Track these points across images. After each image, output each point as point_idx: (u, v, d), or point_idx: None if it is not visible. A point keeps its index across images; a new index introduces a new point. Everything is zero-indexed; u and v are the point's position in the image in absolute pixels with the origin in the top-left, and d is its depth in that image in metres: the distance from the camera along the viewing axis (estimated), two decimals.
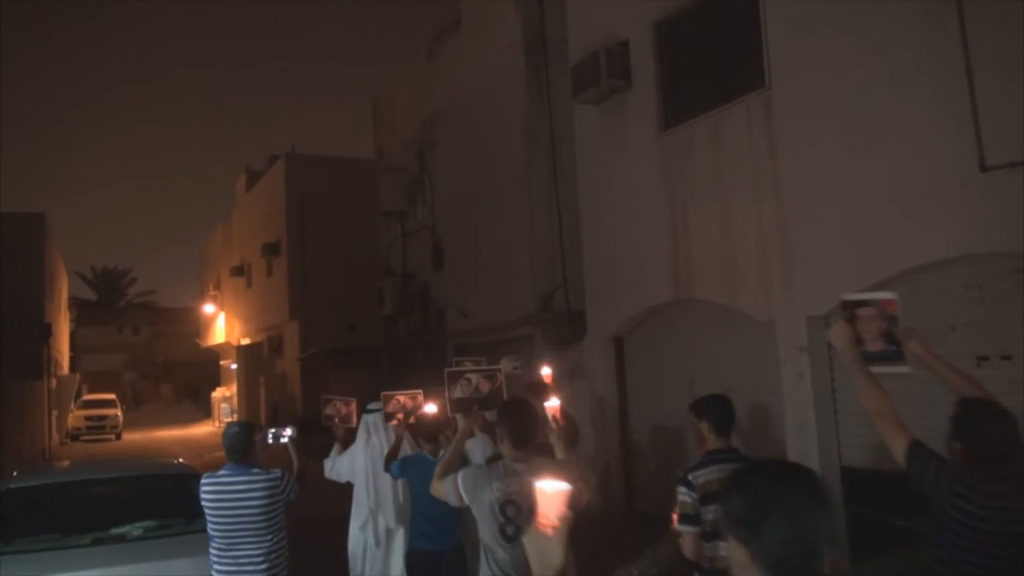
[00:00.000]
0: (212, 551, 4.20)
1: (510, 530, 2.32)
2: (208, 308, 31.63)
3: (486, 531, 3.04)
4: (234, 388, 27.94)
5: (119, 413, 27.20)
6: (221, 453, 4.41)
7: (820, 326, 6.42)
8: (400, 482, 5.12)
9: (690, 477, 3.44)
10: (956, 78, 5.13)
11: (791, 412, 6.57)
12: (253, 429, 4.51)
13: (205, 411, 33.15)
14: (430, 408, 4.71)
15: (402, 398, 5.14)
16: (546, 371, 5.30)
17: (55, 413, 23.70)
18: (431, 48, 13.72)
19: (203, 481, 4.24)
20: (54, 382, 23.93)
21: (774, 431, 6.79)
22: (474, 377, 4.04)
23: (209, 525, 4.19)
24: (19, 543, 4.90)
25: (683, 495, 3.42)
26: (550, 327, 9.85)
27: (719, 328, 7.60)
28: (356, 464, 5.37)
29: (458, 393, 4.00)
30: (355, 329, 18.93)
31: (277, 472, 4.31)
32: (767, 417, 6.92)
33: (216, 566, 4.18)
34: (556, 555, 1.62)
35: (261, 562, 4.14)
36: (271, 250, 22.28)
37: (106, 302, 57.52)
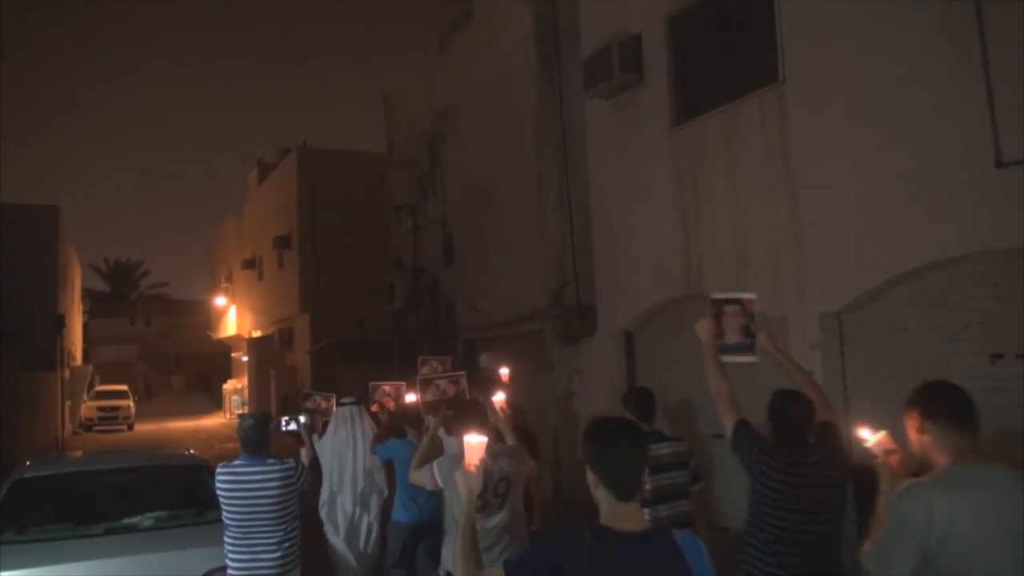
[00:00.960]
0: (227, 540, 4.25)
1: (477, 504, 2.67)
2: (220, 301, 31.78)
3: (457, 508, 3.38)
4: (245, 380, 28.09)
5: (131, 404, 27.38)
6: (232, 444, 4.47)
7: (833, 323, 6.38)
8: (362, 471, 5.75)
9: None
10: (973, 72, 5.07)
11: None
12: (268, 421, 4.61)
13: (216, 403, 33.33)
14: (410, 398, 5.38)
15: (387, 387, 5.86)
16: (504, 371, 5.79)
17: (68, 403, 23.90)
18: (443, 42, 13.70)
19: (219, 471, 4.30)
20: (67, 373, 24.13)
21: None
22: (441, 383, 4.77)
23: (224, 514, 4.23)
24: (32, 532, 4.95)
25: None
26: (560, 322, 9.84)
27: None
28: (323, 451, 5.81)
29: (428, 397, 4.75)
30: (365, 322, 18.98)
31: (291, 462, 4.39)
32: None
33: (231, 554, 4.23)
34: (474, 479, 2.67)
35: (275, 550, 4.22)
36: (282, 243, 22.37)
37: (119, 294, 57.93)
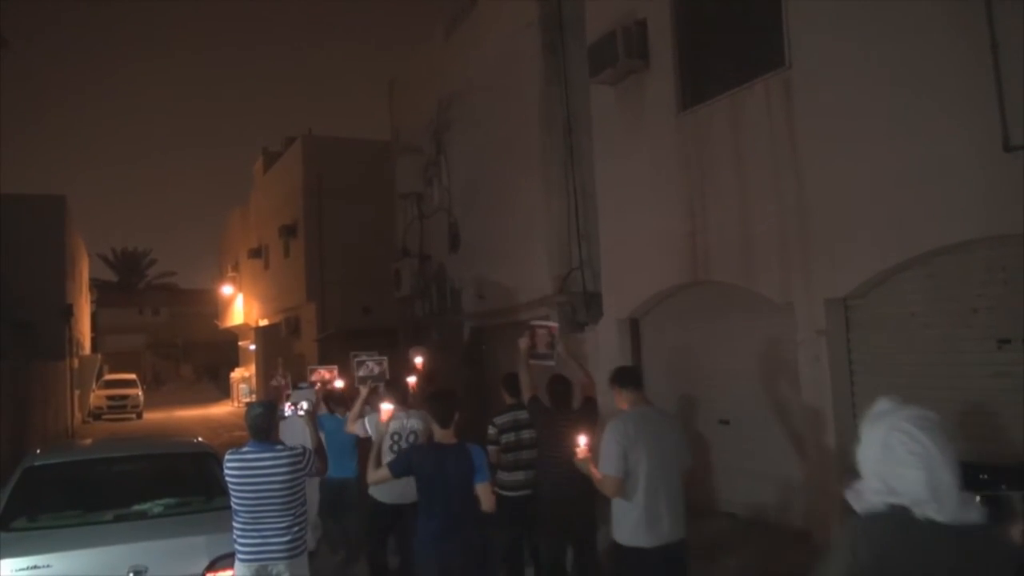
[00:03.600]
0: (236, 525, 4.29)
1: (394, 446, 5.30)
2: (226, 289, 31.86)
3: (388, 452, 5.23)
4: (252, 369, 28.21)
5: (140, 393, 27.56)
6: (240, 432, 4.54)
7: (839, 309, 6.37)
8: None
9: (496, 420, 5.68)
10: (981, 56, 5.03)
11: (808, 395, 6.53)
12: (276, 409, 4.67)
13: (224, 391, 33.52)
14: (338, 383, 7.01)
15: (323, 371, 7.09)
16: (418, 359, 6.99)
17: (77, 392, 24.08)
18: (447, 29, 13.65)
19: (227, 458, 4.34)
20: (76, 362, 24.29)
21: (791, 413, 6.77)
22: (371, 363, 6.41)
23: (233, 500, 4.28)
24: (42, 519, 5.01)
25: (490, 429, 5.64)
26: (566, 308, 9.84)
27: (736, 310, 7.57)
28: (295, 428, 6.03)
29: (361, 372, 6.38)
30: (372, 310, 19.01)
31: (299, 448, 4.44)
32: (784, 399, 6.90)
33: (240, 539, 4.28)
34: (383, 426, 4.68)
35: (285, 534, 4.28)
36: (288, 232, 22.39)
37: (126, 283, 58.22)
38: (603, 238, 9.43)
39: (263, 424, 4.41)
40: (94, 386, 27.57)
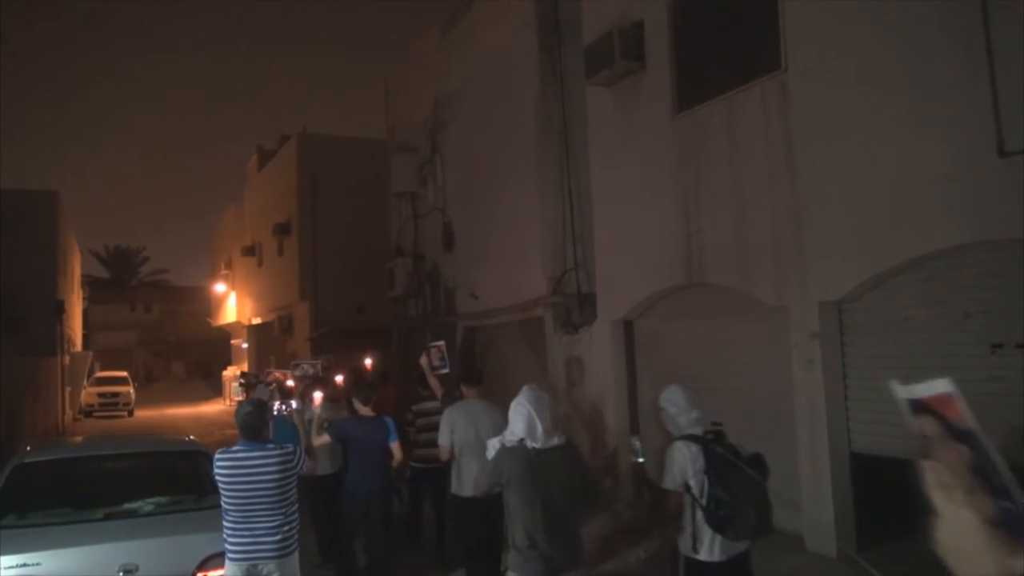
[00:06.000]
0: (226, 524, 4.26)
1: (326, 425, 6.15)
2: (219, 287, 31.75)
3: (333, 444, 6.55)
4: (245, 367, 28.10)
5: (131, 390, 27.39)
6: (232, 431, 4.51)
7: (833, 312, 6.38)
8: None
9: (413, 407, 7.34)
10: (976, 61, 5.05)
11: (801, 397, 6.54)
12: (266, 407, 4.64)
13: (216, 390, 33.35)
14: (290, 383, 8.79)
15: (276, 373, 8.79)
16: (367, 360, 8.93)
17: (68, 389, 23.92)
18: (444, 28, 13.62)
19: (217, 456, 4.31)
20: (67, 359, 24.14)
21: (784, 416, 6.77)
22: (306, 365, 8.68)
23: (224, 499, 4.25)
24: (32, 517, 4.96)
25: (408, 415, 7.31)
26: (560, 310, 9.84)
27: (730, 313, 7.57)
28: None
29: (298, 373, 8.57)
30: (365, 309, 18.97)
31: (290, 446, 4.42)
32: (777, 402, 6.90)
33: (230, 539, 4.25)
34: (309, 408, 6.09)
35: (276, 533, 4.26)
36: (282, 230, 22.31)
37: (119, 280, 57.91)
38: (598, 239, 9.43)
39: (253, 422, 4.38)
40: (85, 383, 27.41)
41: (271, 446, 4.35)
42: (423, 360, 6.94)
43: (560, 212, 9.96)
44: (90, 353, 30.88)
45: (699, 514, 3.83)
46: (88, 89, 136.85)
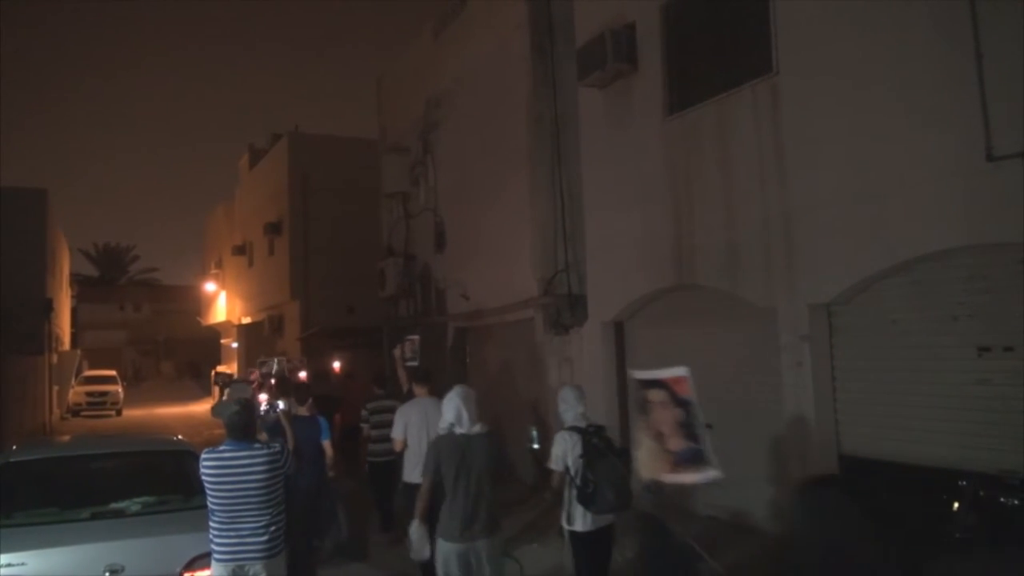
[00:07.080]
0: (213, 525, 4.24)
1: (272, 415, 6.36)
2: (209, 286, 31.64)
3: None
4: (235, 367, 27.99)
5: (120, 389, 27.25)
6: (220, 431, 4.47)
7: (822, 314, 6.40)
8: None
9: (367, 405, 7.97)
10: (966, 65, 5.07)
11: (790, 399, 6.56)
12: (253, 407, 4.62)
13: (205, 389, 33.22)
14: (252, 377, 10.24)
15: (256, 371, 9.55)
16: (336, 364, 10.29)
17: (56, 388, 23.77)
18: (437, 28, 13.61)
19: (204, 456, 4.29)
20: (55, 358, 23.98)
21: (772, 418, 6.79)
22: (270, 363, 12.72)
23: (210, 499, 4.23)
24: (18, 516, 4.93)
25: (363, 412, 8.01)
26: (551, 311, 9.84)
27: (720, 314, 7.58)
28: None
29: (263, 369, 12.48)
30: (356, 309, 18.94)
31: (277, 446, 4.40)
32: (766, 404, 6.92)
33: (217, 539, 4.23)
34: (268, 401, 7.40)
35: (263, 533, 4.25)
36: (273, 229, 22.24)
37: (108, 279, 57.66)
38: (589, 241, 9.43)
39: (240, 422, 4.36)
40: (73, 382, 27.23)
41: (258, 446, 4.34)
42: (396, 351, 7.69)
43: (551, 213, 9.96)
44: (78, 352, 30.67)
45: (574, 492, 4.71)
46: (78, 87, 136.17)
